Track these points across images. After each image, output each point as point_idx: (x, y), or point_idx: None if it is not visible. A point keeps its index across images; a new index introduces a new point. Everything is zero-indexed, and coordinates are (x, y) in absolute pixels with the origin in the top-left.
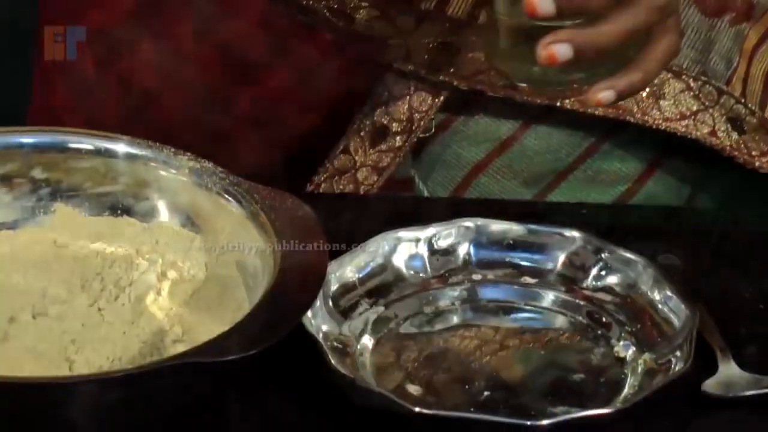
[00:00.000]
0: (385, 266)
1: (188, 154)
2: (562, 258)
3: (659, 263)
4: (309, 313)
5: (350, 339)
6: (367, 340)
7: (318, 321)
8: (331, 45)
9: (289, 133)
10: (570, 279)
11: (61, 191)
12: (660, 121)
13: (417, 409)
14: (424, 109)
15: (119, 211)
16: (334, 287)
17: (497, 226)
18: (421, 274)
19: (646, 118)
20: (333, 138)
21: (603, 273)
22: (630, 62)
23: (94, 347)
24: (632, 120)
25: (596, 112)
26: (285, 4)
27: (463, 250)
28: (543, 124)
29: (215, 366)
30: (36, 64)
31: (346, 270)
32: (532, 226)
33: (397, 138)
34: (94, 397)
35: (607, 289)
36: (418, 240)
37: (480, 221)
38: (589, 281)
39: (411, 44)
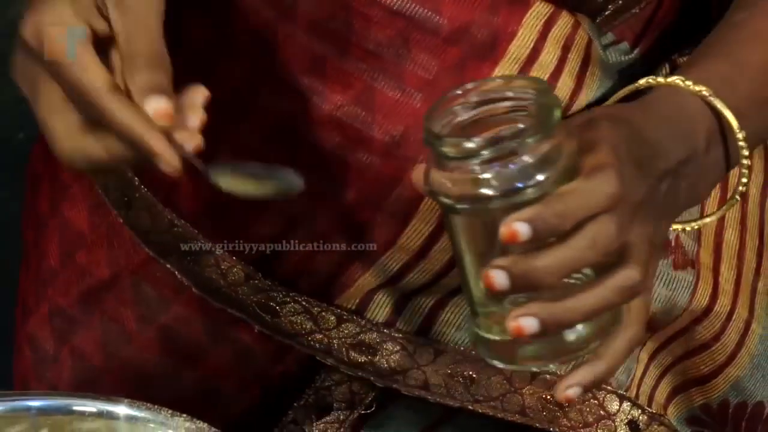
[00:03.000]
0: None
1: (184, 415)
2: None
3: None
4: None
5: None
6: None
7: None
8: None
9: (231, 409)
10: None
11: None
12: (565, 429)
13: None
14: (363, 391)
15: None
16: None
17: None
18: None
19: (552, 427)
20: (275, 410)
21: None
22: (594, 355)
23: None
24: (538, 425)
25: (507, 418)
26: (216, 297)
27: None
28: (460, 417)
29: None
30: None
31: None
32: None
33: (341, 413)
34: None
35: None
36: None
37: None
38: None
39: (332, 340)
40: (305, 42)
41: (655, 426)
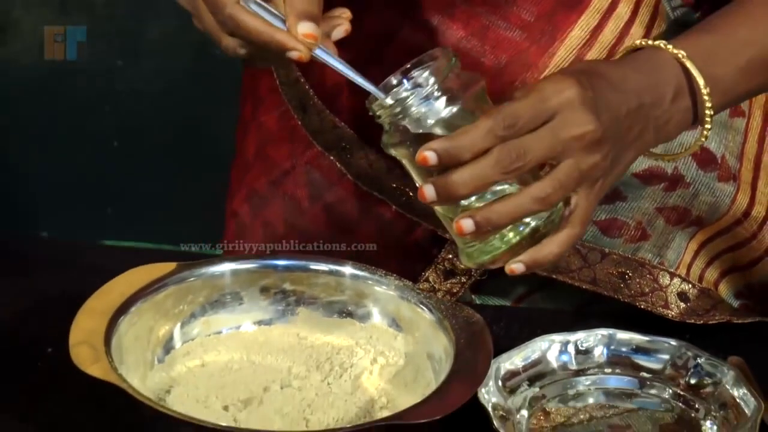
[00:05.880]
0: (541, 360)
1: (394, 275)
2: (669, 360)
3: (736, 366)
4: (483, 390)
5: (512, 410)
6: (525, 412)
7: (489, 395)
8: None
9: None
10: (675, 375)
11: (304, 299)
12: (626, 297)
13: None
14: None
15: (344, 314)
16: (503, 372)
17: (623, 335)
18: (567, 366)
19: (617, 295)
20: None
21: (698, 372)
22: (538, 245)
23: (324, 411)
24: (606, 293)
25: (582, 286)
26: (364, 181)
27: (599, 351)
28: (546, 290)
29: (412, 427)
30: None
31: (514, 360)
32: (649, 336)
33: (462, 277)
34: None
35: (701, 385)
36: (567, 342)
37: (611, 331)
38: (688, 378)
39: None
40: None
41: (704, 298)
